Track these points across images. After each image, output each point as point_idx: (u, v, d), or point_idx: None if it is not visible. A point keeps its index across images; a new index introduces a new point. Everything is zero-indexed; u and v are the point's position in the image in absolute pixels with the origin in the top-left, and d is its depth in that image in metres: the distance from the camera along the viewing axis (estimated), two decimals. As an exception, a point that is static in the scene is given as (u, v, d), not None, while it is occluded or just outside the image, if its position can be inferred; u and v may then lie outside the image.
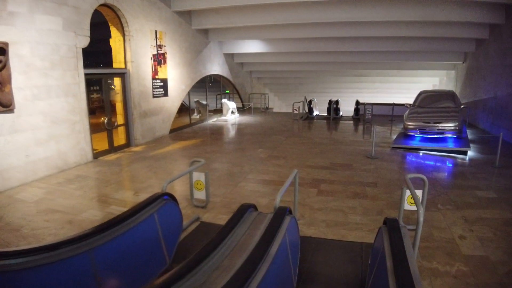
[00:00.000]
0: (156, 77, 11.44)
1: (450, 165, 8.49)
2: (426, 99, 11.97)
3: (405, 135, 11.06)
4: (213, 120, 16.64)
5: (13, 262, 2.53)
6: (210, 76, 16.99)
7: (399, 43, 15.48)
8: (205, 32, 15.47)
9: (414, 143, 10.20)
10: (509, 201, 5.89)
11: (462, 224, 5.00)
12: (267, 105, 22.44)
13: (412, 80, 22.89)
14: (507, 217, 5.26)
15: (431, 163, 8.65)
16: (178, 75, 13.12)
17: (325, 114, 17.77)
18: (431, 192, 6.03)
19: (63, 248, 2.77)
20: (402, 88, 24.51)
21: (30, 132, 7.02)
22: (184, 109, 14.89)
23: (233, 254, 2.82)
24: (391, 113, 16.89)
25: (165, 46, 11.84)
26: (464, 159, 8.91)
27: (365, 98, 19.93)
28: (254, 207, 3.74)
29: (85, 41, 8.21)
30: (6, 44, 6.33)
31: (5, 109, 6.39)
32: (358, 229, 4.89)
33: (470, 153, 9.33)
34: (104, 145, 9.47)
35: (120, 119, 10.28)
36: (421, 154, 9.47)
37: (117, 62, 10.12)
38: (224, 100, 17.62)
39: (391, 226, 2.96)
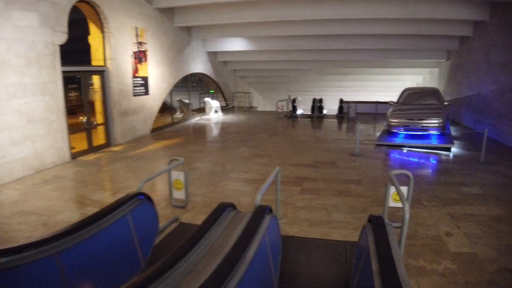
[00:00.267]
0: (137, 75, 11.15)
1: (435, 161, 8.49)
2: (410, 96, 11.99)
3: (389, 132, 11.03)
4: (196, 119, 16.39)
5: None
6: (193, 74, 16.76)
7: (383, 41, 15.54)
8: (188, 29, 15.23)
9: (398, 140, 10.18)
10: (496, 197, 5.86)
11: (448, 221, 4.92)
12: (251, 104, 22.29)
13: (396, 78, 23.09)
14: (494, 213, 5.21)
15: (415, 160, 8.62)
16: (160, 73, 12.84)
17: (309, 113, 17.76)
18: (415, 189, 5.93)
19: (28, 251, 2.62)
20: (386, 87, 24.75)
21: (6, 131, 6.75)
22: (166, 108, 14.63)
23: (209, 256, 2.65)
24: (375, 111, 16.95)
25: (146, 43, 11.55)
26: (448, 155, 8.93)
27: (349, 97, 19.96)
28: (232, 206, 3.57)
29: (62, 38, 7.93)
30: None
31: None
32: (342, 228, 4.77)
33: (454, 149, 9.36)
34: (83, 145, 9.18)
35: (99, 118, 9.97)
36: (405, 151, 9.45)
37: (96, 59, 9.80)
38: (207, 99, 17.41)
39: (376, 224, 2.86)
